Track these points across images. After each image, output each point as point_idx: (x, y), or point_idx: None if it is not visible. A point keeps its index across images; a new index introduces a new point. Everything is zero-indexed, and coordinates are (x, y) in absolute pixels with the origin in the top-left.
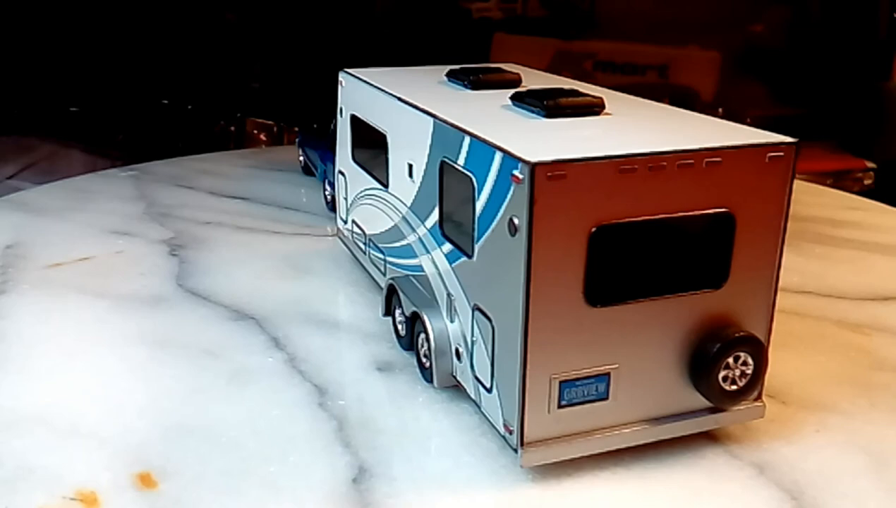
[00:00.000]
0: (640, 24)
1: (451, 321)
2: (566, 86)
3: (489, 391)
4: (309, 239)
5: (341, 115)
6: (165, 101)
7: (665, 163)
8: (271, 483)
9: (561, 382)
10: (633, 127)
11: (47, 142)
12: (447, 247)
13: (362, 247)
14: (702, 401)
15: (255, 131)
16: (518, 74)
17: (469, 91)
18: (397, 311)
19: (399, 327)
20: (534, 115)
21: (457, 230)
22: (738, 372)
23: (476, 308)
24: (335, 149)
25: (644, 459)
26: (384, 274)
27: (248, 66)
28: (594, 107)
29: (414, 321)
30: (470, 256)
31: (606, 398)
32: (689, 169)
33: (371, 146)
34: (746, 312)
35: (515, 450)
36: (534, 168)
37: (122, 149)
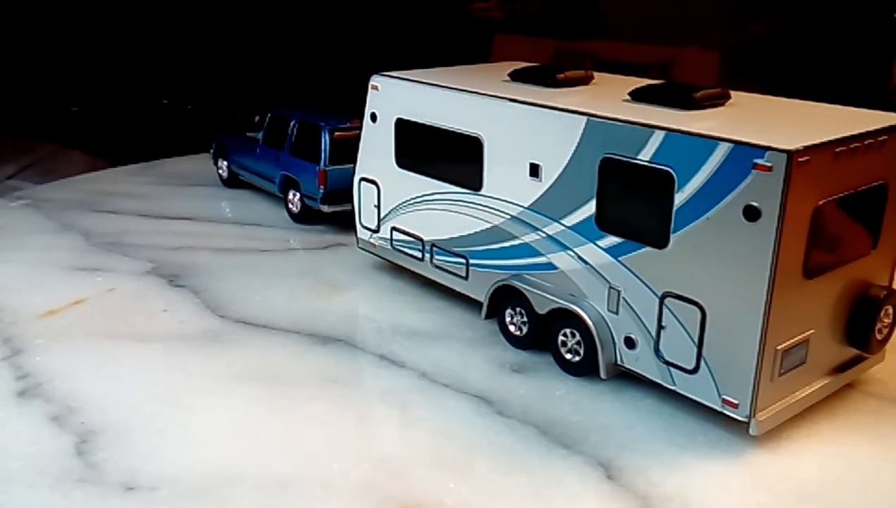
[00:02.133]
0: (640, 23)
1: (616, 312)
2: (673, 82)
3: (692, 371)
4: (302, 253)
5: (373, 121)
6: (165, 101)
7: (858, 144)
8: (540, 494)
9: (783, 352)
10: (776, 114)
11: (47, 142)
12: (608, 240)
13: (416, 254)
14: (848, 352)
15: None
16: (590, 73)
17: (554, 90)
18: (508, 311)
19: (512, 328)
20: (676, 109)
21: (634, 223)
22: (884, 323)
23: (669, 295)
24: (306, 155)
25: (820, 412)
26: (466, 278)
27: (248, 65)
28: (723, 98)
29: (550, 318)
30: (661, 246)
31: (805, 362)
32: (872, 147)
33: (441, 151)
34: (881, 270)
35: (746, 422)
36: (791, 155)
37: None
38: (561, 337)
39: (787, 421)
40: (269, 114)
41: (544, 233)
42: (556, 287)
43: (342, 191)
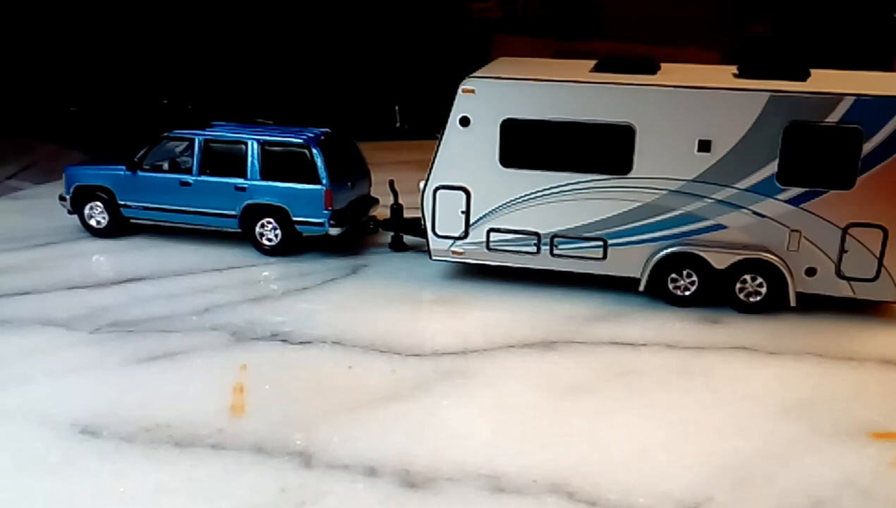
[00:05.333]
0: (639, 24)
1: (796, 249)
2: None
3: (873, 279)
4: (345, 281)
5: (464, 126)
6: (165, 101)
7: None
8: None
9: None
10: (865, 79)
11: (47, 142)
12: (790, 192)
13: (528, 249)
14: None
15: None
16: (657, 60)
17: (654, 76)
18: (672, 276)
19: (678, 291)
20: (791, 81)
21: (819, 174)
22: None
23: (853, 225)
24: (290, 177)
25: None
26: (603, 259)
27: (249, 66)
28: (810, 70)
29: (734, 271)
30: (847, 188)
31: None
32: None
33: (575, 143)
34: None
35: None
36: None
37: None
38: (739, 285)
39: None
40: (166, 141)
41: (713, 198)
42: (730, 243)
43: (346, 210)
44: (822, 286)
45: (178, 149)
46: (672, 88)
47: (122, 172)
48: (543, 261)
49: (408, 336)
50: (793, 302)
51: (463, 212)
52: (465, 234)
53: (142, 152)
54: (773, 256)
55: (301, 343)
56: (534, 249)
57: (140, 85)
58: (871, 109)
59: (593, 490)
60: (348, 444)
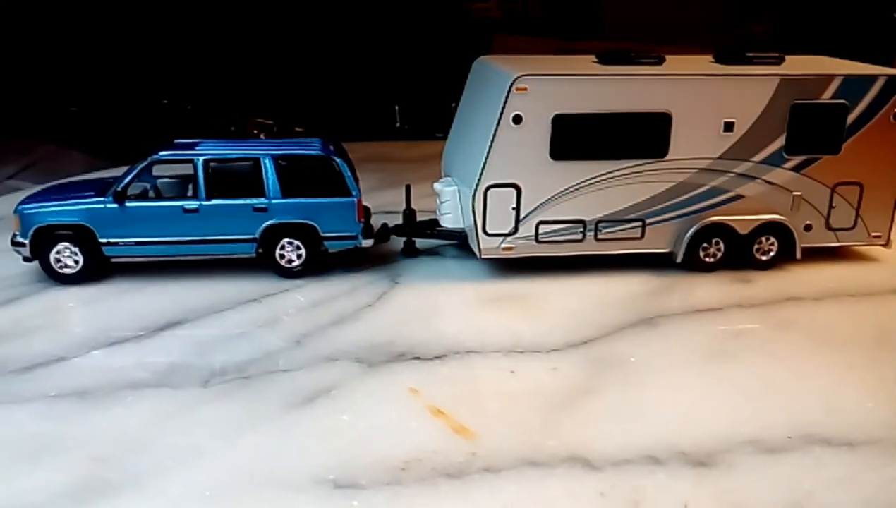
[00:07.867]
0: (639, 24)
1: (798, 209)
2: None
3: (851, 228)
4: (393, 294)
5: (517, 123)
6: (165, 101)
7: None
8: None
9: None
10: (833, 63)
11: (47, 142)
12: (794, 161)
13: (574, 237)
14: None
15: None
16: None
17: (660, 67)
18: (703, 246)
19: (708, 258)
20: (770, 66)
21: (815, 143)
22: None
23: (839, 184)
24: (315, 192)
25: None
26: (641, 238)
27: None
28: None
29: (753, 235)
30: (835, 153)
31: None
32: None
33: (618, 133)
34: None
35: (885, 245)
36: None
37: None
38: (756, 245)
39: None
40: (152, 165)
41: (733, 173)
42: (748, 210)
43: (369, 222)
44: (816, 239)
45: (171, 173)
46: (705, 77)
47: (102, 205)
48: (588, 247)
49: (522, 334)
50: (799, 256)
51: (513, 209)
52: (516, 230)
53: (126, 180)
54: (784, 217)
55: (436, 358)
56: (580, 236)
57: (140, 85)
58: (855, 85)
59: (834, 435)
60: (603, 440)
